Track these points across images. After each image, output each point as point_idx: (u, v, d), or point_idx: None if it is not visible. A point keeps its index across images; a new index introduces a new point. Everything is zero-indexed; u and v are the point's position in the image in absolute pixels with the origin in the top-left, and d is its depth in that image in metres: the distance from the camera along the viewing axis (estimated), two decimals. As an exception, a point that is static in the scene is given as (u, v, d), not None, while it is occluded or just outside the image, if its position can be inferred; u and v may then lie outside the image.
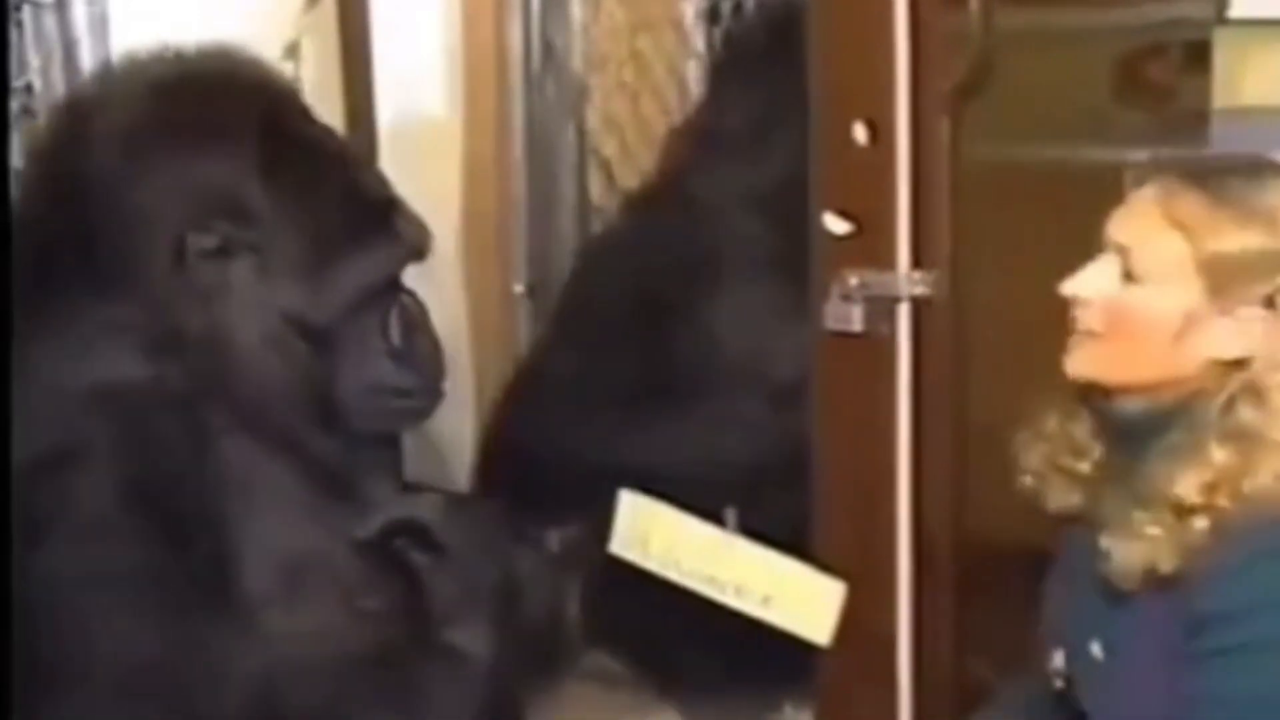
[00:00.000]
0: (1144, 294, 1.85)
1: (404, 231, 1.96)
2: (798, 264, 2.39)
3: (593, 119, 2.97)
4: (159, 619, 1.68)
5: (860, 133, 2.24)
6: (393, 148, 2.75)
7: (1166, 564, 1.80)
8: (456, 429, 2.92)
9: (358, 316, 1.89)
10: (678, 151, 2.84)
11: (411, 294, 1.97)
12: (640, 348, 2.80)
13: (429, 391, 1.96)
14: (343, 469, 1.90)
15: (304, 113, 1.97)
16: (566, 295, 2.90)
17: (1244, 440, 1.80)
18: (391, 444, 2.07)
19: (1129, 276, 1.86)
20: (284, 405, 1.84)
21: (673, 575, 2.31)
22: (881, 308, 2.25)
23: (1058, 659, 1.99)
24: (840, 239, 2.27)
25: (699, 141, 2.82)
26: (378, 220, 1.93)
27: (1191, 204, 1.83)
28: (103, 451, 1.70)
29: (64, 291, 1.79)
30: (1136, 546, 1.83)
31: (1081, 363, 1.92)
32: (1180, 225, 1.83)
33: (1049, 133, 2.56)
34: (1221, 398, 1.82)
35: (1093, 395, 1.95)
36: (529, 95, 2.92)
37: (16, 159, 2.09)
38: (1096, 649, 1.92)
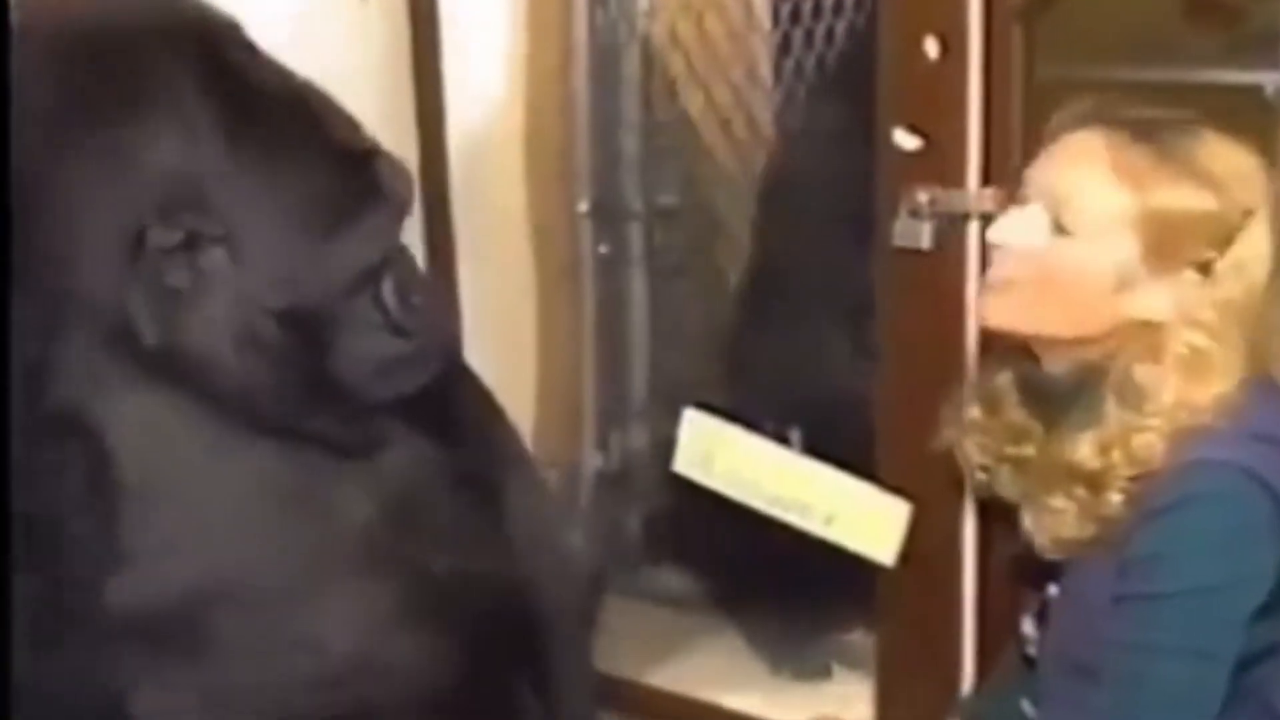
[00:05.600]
0: (1077, 248, 1.78)
1: (390, 189, 1.62)
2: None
3: (657, 37, 2.95)
4: None
5: (931, 47, 2.22)
6: (456, 66, 2.73)
7: (1074, 530, 1.78)
8: (519, 345, 2.93)
9: (351, 295, 1.59)
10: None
11: (402, 249, 1.68)
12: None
13: (428, 352, 1.67)
14: (355, 436, 1.64)
15: (249, 55, 1.60)
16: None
17: (1137, 398, 1.76)
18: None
19: (1060, 228, 1.79)
20: (270, 398, 1.56)
21: (736, 495, 2.30)
22: (950, 225, 2.24)
23: (1026, 624, 1.98)
24: (909, 155, 2.25)
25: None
26: (362, 184, 1.60)
27: (1140, 156, 1.76)
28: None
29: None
30: (1045, 520, 1.82)
31: (1000, 311, 1.86)
32: (1128, 177, 1.76)
33: (1118, 51, 2.53)
34: (1125, 355, 1.78)
35: (1016, 361, 1.91)
36: (593, 12, 2.91)
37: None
38: (1053, 589, 1.91)
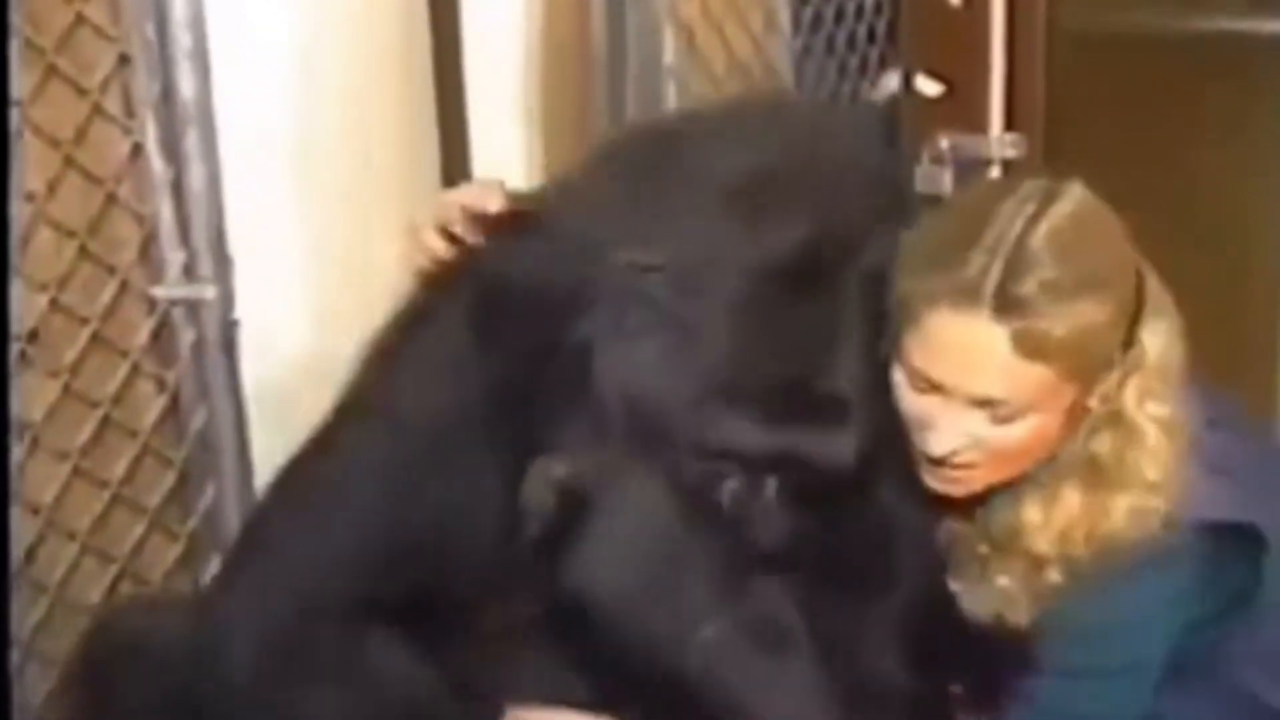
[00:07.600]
0: (1021, 429, 1.67)
1: (794, 439, 1.64)
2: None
3: (675, -14, 2.94)
4: None
5: (955, -7, 2.23)
6: (473, 15, 2.73)
7: (1020, 616, 1.74)
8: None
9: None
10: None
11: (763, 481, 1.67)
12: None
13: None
14: None
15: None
16: None
17: (1101, 473, 1.70)
18: None
19: (998, 418, 1.66)
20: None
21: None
22: (972, 170, 2.24)
23: None
24: (932, 101, 2.26)
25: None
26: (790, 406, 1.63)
27: (1043, 331, 1.61)
28: None
29: None
30: (986, 596, 1.76)
31: (967, 486, 1.73)
32: (1037, 356, 1.61)
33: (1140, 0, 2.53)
34: (1083, 432, 1.71)
35: None
36: (611, -39, 2.89)
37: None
38: None
